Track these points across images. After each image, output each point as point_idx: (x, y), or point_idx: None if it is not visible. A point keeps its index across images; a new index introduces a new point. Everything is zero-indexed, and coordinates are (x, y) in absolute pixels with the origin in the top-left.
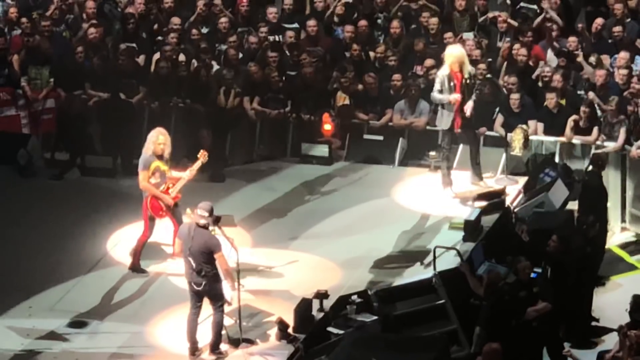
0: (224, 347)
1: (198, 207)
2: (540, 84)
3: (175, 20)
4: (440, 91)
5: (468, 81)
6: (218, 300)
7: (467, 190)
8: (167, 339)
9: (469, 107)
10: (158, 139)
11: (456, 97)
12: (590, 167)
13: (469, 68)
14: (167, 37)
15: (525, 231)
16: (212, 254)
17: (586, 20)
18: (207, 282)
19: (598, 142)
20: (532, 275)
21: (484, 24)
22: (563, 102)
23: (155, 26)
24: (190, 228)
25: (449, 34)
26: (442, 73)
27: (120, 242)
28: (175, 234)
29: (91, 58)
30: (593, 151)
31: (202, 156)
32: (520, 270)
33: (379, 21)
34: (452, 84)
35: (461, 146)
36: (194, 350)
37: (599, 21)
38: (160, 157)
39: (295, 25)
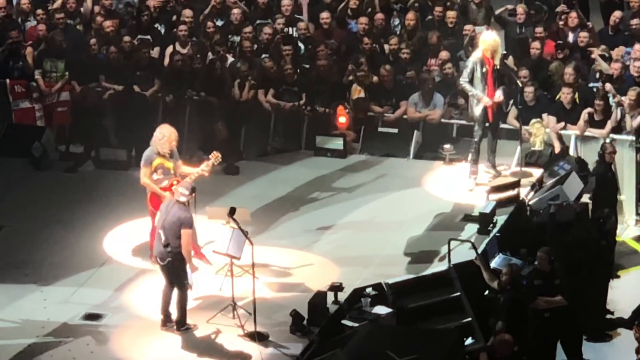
0: (191, 321)
1: (179, 186)
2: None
3: (187, 12)
4: (471, 80)
5: (499, 67)
6: (179, 280)
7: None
8: (185, 333)
9: (499, 95)
10: (163, 139)
11: (488, 102)
12: (599, 158)
13: (500, 56)
14: (178, 30)
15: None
16: (180, 229)
17: (602, 13)
18: (171, 259)
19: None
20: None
21: (499, 15)
22: (576, 96)
23: (174, 18)
24: (169, 203)
25: (468, 26)
26: (473, 59)
27: (133, 235)
28: None
29: (106, 50)
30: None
31: (214, 157)
32: (543, 260)
33: (394, 12)
34: (484, 70)
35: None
36: (166, 321)
37: (617, 14)
38: (164, 154)
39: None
